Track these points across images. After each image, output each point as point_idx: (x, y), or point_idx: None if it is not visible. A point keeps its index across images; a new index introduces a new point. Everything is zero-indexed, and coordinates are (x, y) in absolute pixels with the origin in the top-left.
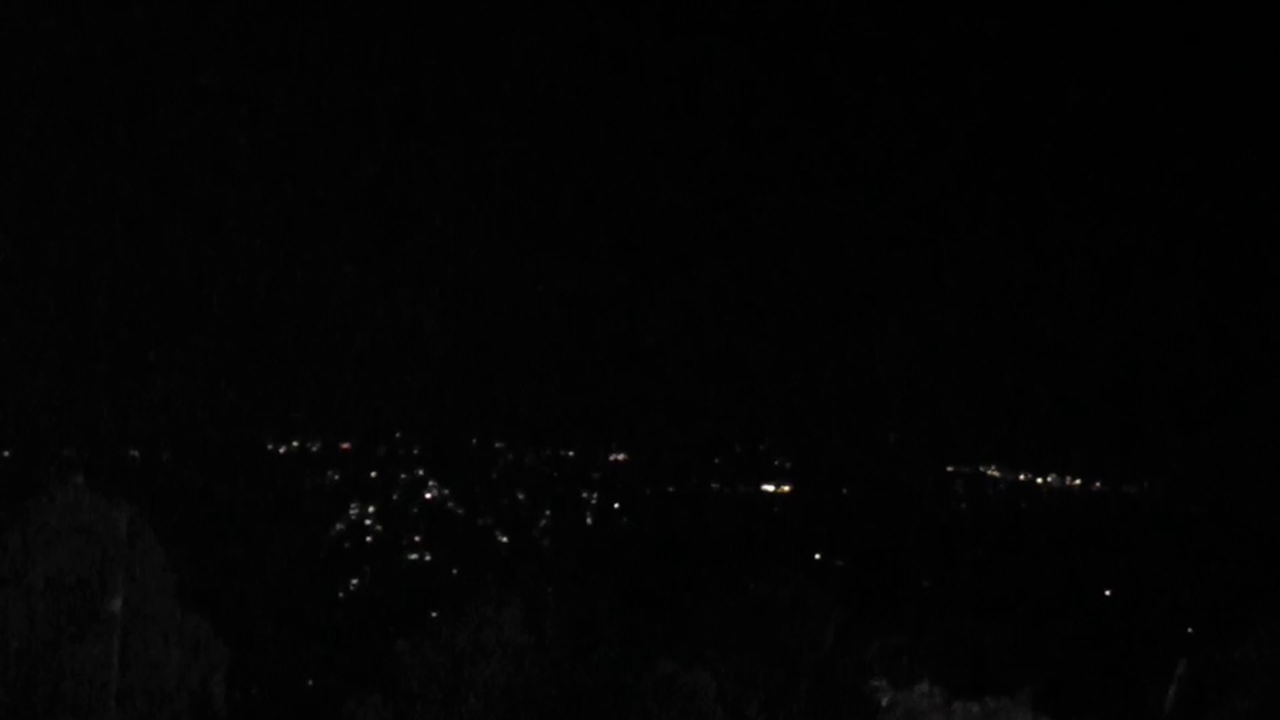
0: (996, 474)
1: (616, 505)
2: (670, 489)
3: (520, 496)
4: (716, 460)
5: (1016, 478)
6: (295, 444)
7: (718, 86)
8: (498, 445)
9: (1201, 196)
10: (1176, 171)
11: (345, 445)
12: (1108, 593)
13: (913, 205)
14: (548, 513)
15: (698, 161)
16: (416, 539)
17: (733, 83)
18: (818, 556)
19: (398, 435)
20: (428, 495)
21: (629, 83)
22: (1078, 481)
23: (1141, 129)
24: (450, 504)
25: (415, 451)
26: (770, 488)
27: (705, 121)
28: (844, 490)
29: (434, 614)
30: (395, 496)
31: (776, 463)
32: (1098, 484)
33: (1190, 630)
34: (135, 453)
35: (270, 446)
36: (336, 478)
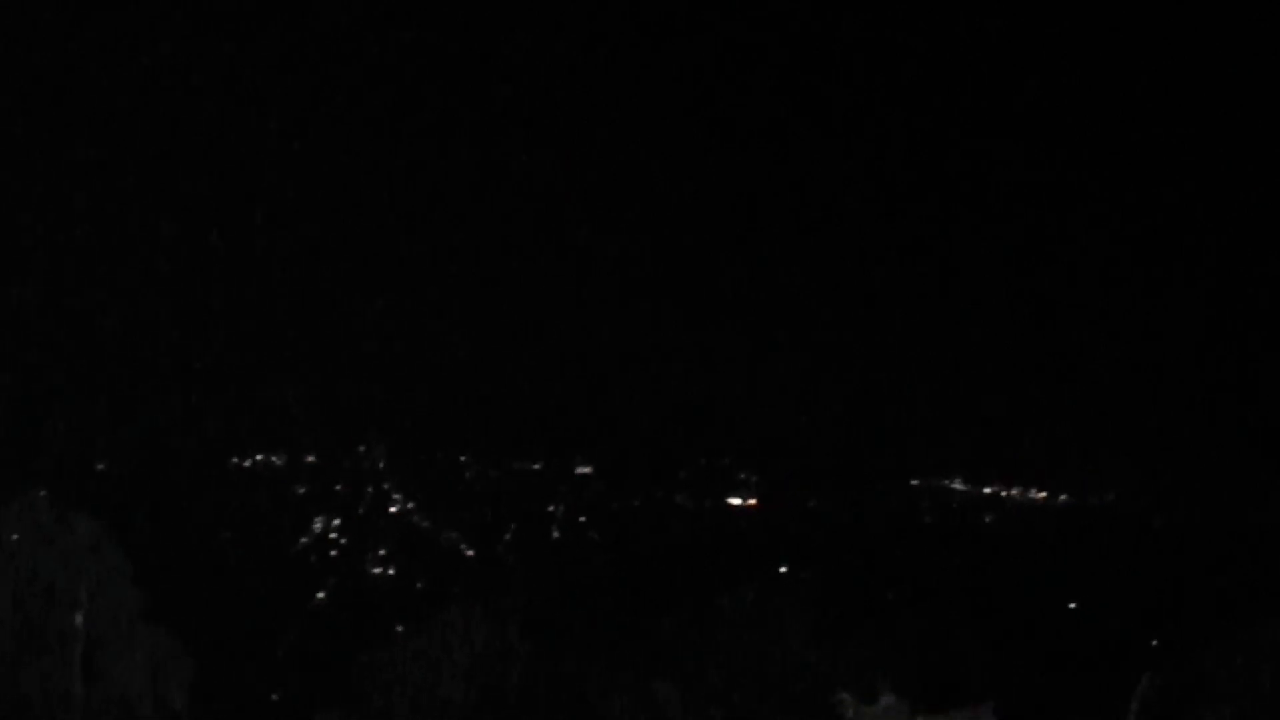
0: (961, 487)
1: (582, 519)
2: (636, 502)
3: (486, 510)
4: (682, 474)
5: (981, 490)
6: (260, 457)
7: (673, 96)
8: (463, 459)
9: (1154, 212)
10: (1133, 193)
11: (310, 459)
12: (1072, 605)
13: (875, 226)
14: (513, 526)
15: (662, 177)
16: (382, 552)
17: (688, 91)
18: (783, 569)
19: (363, 449)
20: (393, 509)
21: (587, 94)
22: (1042, 494)
23: (1098, 144)
24: (416, 517)
25: (381, 465)
26: (736, 501)
27: (667, 146)
28: (809, 504)
29: (399, 626)
30: (361, 510)
31: (741, 476)
32: (1062, 497)
33: (1156, 642)
34: (100, 466)
35: (235, 460)
36: (302, 491)
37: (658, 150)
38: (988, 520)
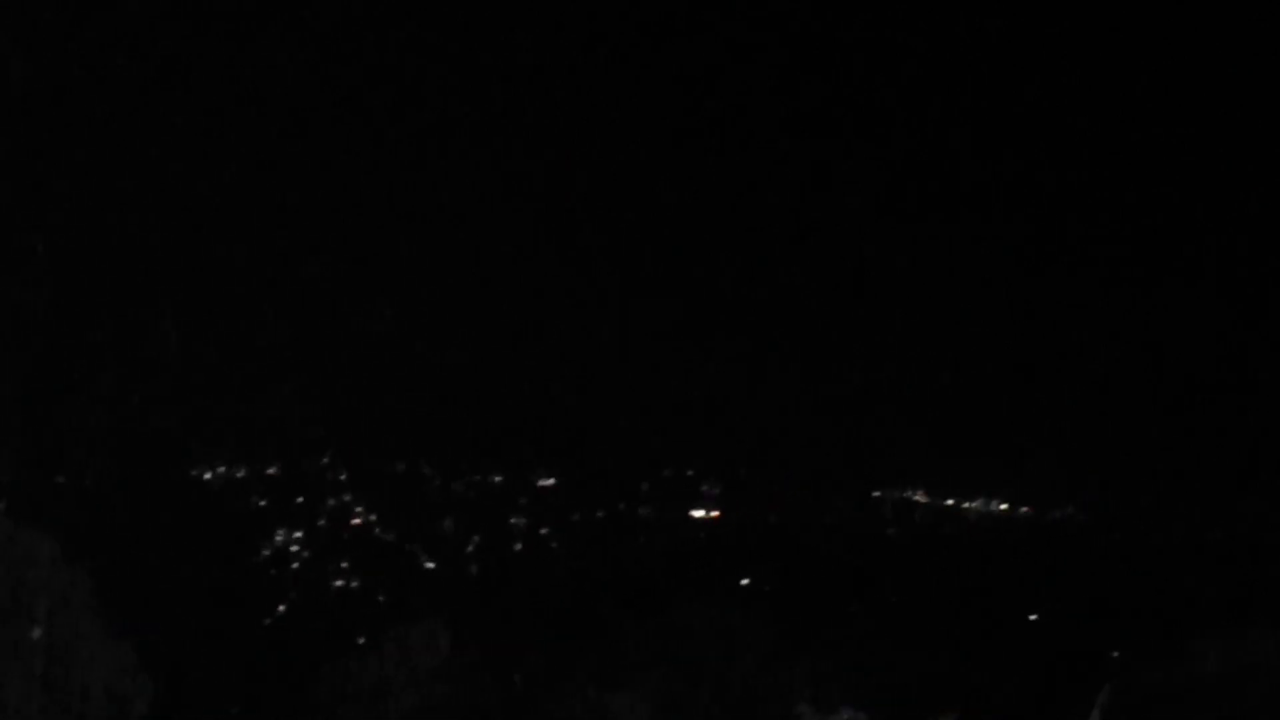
0: (923, 498)
1: (544, 530)
2: (599, 514)
3: (448, 522)
4: (645, 485)
5: (943, 502)
6: (221, 469)
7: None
8: (425, 470)
9: (1109, 229)
10: (1091, 212)
11: (271, 470)
12: (1033, 617)
13: (831, 239)
14: (476, 538)
15: (626, 192)
16: (343, 564)
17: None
18: (745, 581)
19: (325, 460)
20: (355, 520)
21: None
22: (1003, 506)
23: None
24: (378, 529)
25: (342, 476)
26: (699, 513)
27: (635, 165)
28: (771, 516)
29: (361, 639)
30: (322, 522)
31: (705, 488)
32: (1023, 509)
33: (1115, 655)
34: (60, 479)
35: (196, 472)
36: (263, 503)
37: (621, 160)
38: (949, 532)
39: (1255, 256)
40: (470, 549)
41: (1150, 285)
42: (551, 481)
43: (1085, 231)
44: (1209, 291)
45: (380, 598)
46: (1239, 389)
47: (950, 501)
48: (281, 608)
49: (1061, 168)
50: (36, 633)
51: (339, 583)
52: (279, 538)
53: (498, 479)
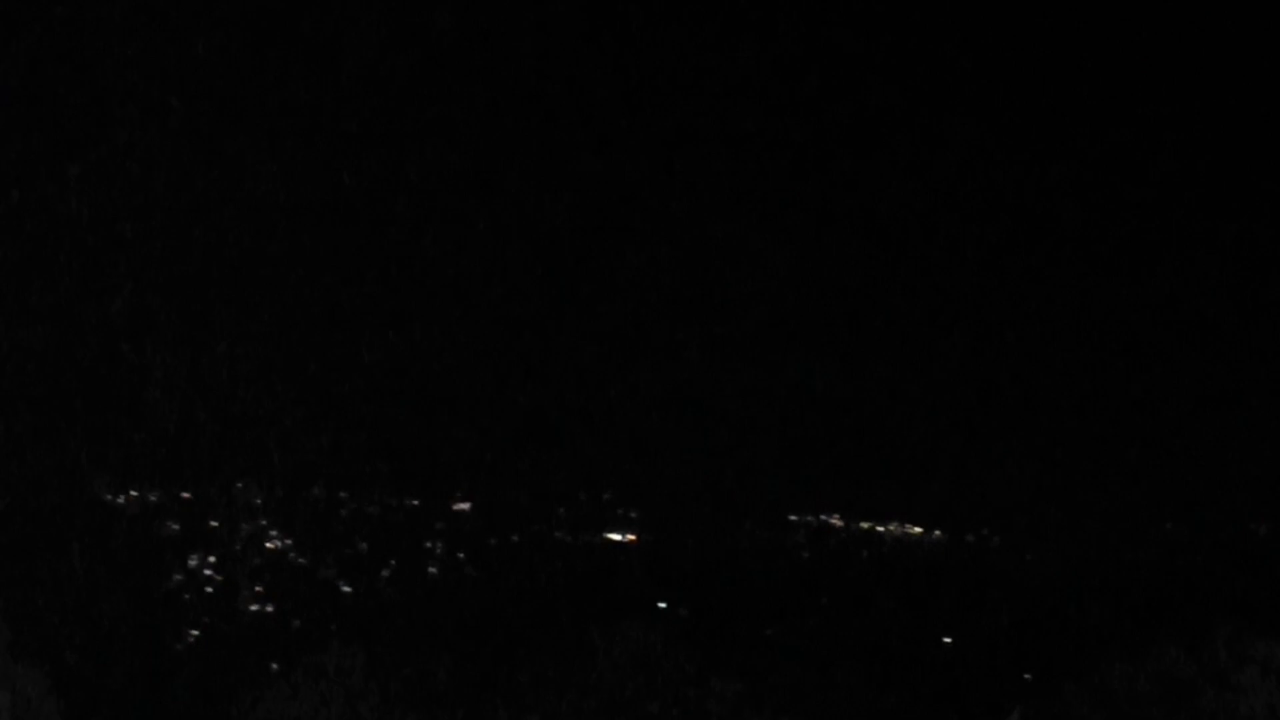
0: (838, 522)
1: (461, 555)
2: (514, 538)
3: (363, 546)
4: (561, 509)
5: (858, 526)
6: (134, 494)
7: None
8: (341, 494)
9: (1025, 253)
10: (1007, 239)
11: (185, 495)
12: (947, 640)
13: (744, 263)
14: (391, 563)
15: (542, 218)
16: (258, 589)
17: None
18: (662, 605)
19: (239, 485)
20: (269, 545)
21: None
22: (918, 530)
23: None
24: (292, 554)
25: (257, 501)
26: (615, 537)
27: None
28: (687, 540)
29: (275, 665)
30: (236, 547)
31: (620, 512)
32: (937, 532)
33: (1027, 677)
34: None
35: (108, 497)
36: (176, 528)
37: (539, 192)
38: (865, 555)
39: (1160, 289)
40: (386, 573)
41: (1060, 310)
42: (467, 505)
43: (994, 260)
44: (1121, 316)
45: (295, 623)
46: (1151, 413)
47: (865, 525)
48: (194, 633)
49: (964, 195)
50: None
51: (254, 608)
52: (192, 562)
53: (413, 503)
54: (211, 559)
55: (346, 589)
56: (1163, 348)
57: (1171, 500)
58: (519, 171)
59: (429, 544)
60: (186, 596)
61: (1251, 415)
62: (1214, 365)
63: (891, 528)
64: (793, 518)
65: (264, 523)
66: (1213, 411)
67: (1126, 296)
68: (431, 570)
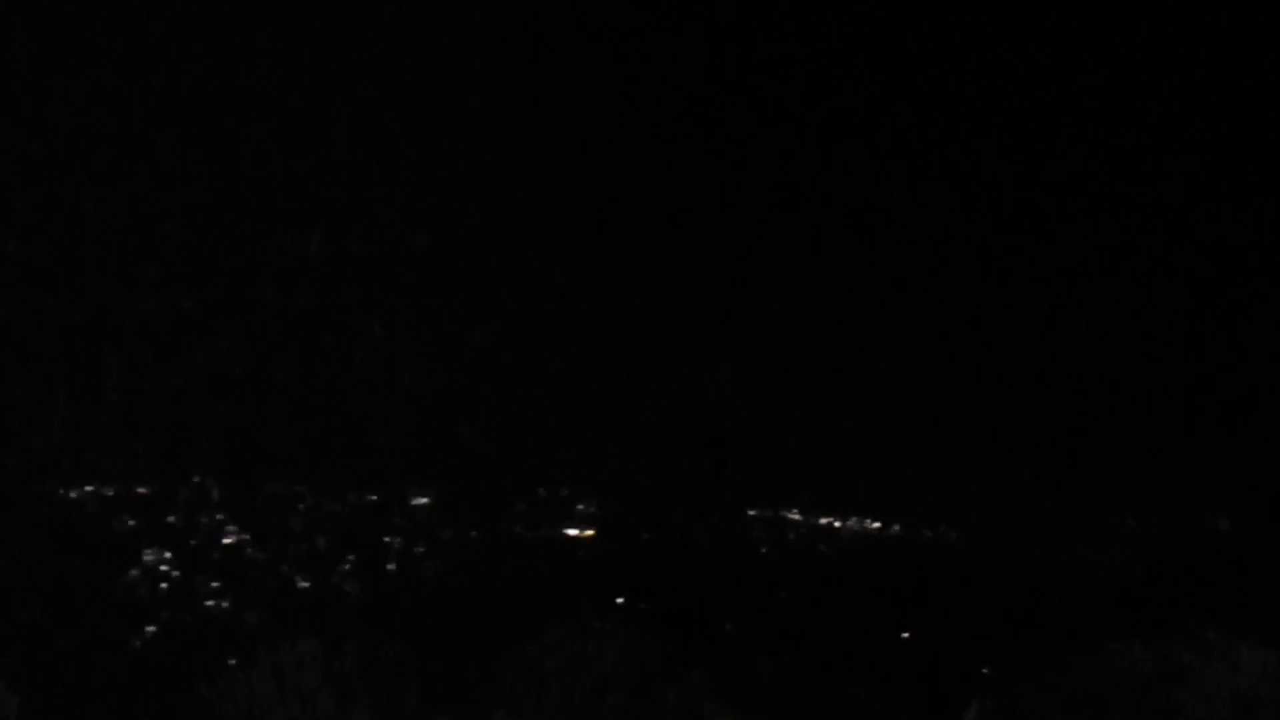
0: (797, 517)
1: (419, 550)
2: (473, 533)
3: (321, 541)
4: (520, 505)
5: (816, 521)
6: (90, 489)
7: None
8: (298, 489)
9: (991, 258)
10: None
11: (142, 490)
12: (905, 635)
13: (700, 262)
14: (349, 557)
15: (503, 213)
16: (215, 584)
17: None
18: (620, 600)
19: (196, 480)
20: (227, 540)
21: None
22: (876, 525)
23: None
24: (250, 549)
25: (214, 496)
26: (573, 532)
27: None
28: (646, 534)
29: (232, 660)
30: (194, 542)
31: (580, 507)
32: (895, 528)
33: (985, 671)
34: None
35: (64, 491)
36: (133, 523)
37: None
38: (823, 550)
39: (1125, 289)
40: (344, 568)
41: (1023, 308)
42: (425, 500)
43: (948, 257)
44: (1085, 316)
45: (253, 617)
46: (1113, 411)
47: (824, 521)
48: (152, 628)
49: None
50: None
51: (210, 602)
52: (149, 557)
53: (372, 498)
54: (168, 554)
55: (304, 584)
56: (1126, 347)
57: (1133, 497)
58: (466, 166)
59: (387, 539)
60: (143, 591)
61: (1214, 414)
62: (1178, 364)
63: (850, 523)
64: (752, 513)
65: (221, 518)
66: (1175, 410)
67: (1090, 296)
68: (390, 566)
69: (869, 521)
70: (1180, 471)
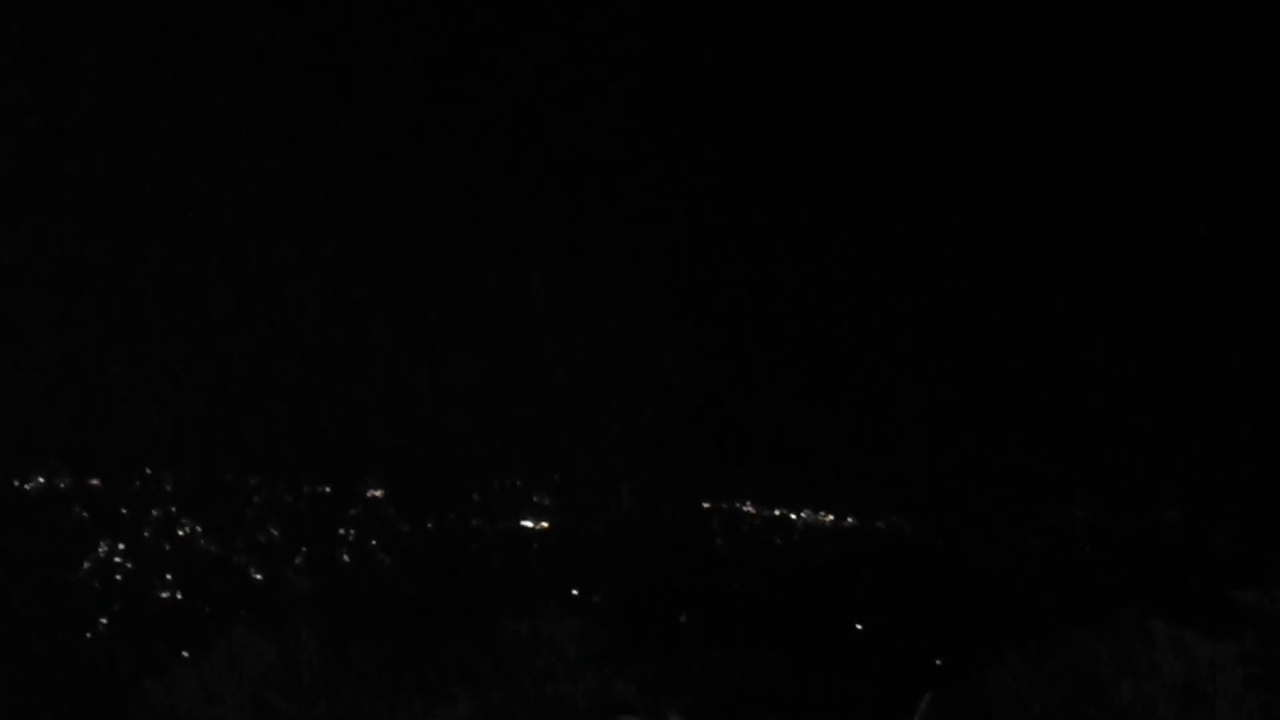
0: (751, 509)
1: (374, 542)
2: (428, 525)
3: (275, 533)
4: (475, 496)
5: (771, 513)
6: (41, 480)
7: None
8: (252, 481)
9: (927, 248)
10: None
11: (94, 481)
12: (859, 626)
13: (642, 256)
14: (303, 550)
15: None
16: (168, 577)
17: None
18: (575, 592)
19: (149, 471)
20: (180, 532)
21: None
22: (830, 517)
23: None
24: (203, 541)
25: (167, 488)
26: (528, 524)
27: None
28: (601, 526)
29: (185, 653)
30: (146, 534)
31: (535, 499)
32: (849, 519)
33: (939, 663)
34: None
35: (16, 482)
36: (85, 514)
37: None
38: (778, 542)
39: (1065, 275)
40: (298, 560)
41: (967, 296)
42: (380, 492)
43: (887, 249)
44: (1029, 302)
45: (206, 610)
46: (1062, 400)
47: (778, 512)
48: (104, 621)
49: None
50: None
51: (164, 595)
52: (102, 550)
53: (326, 489)
54: (121, 546)
55: (258, 577)
56: (1072, 334)
57: (1083, 487)
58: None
59: (342, 531)
60: (96, 584)
61: (1162, 403)
62: (1125, 352)
63: (804, 515)
64: (706, 505)
65: (174, 509)
66: (1124, 399)
67: (1032, 280)
68: (345, 558)
69: (823, 513)
70: (1129, 462)
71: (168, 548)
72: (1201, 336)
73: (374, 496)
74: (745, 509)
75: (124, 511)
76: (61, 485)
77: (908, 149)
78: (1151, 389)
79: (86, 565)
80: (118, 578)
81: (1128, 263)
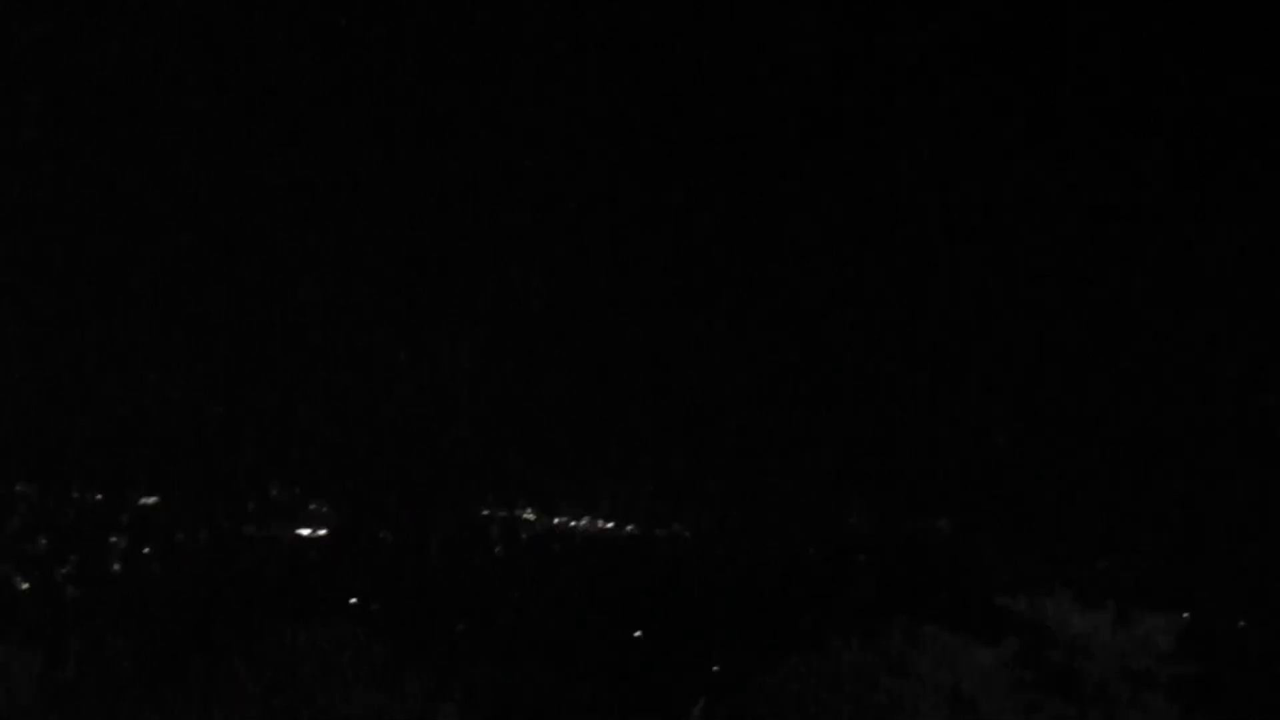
0: (531, 517)
1: (146, 550)
2: (202, 533)
3: (43, 541)
4: (250, 504)
5: (550, 521)
6: None
7: None
8: (19, 489)
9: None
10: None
11: None
12: (638, 634)
13: (454, 253)
14: (72, 558)
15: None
16: None
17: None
18: (353, 600)
19: None
20: None
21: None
22: (610, 525)
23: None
24: None
25: None
26: (306, 532)
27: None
28: (380, 534)
29: None
30: None
31: (313, 507)
32: (630, 527)
33: (715, 669)
34: None
35: None
36: None
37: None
38: (556, 550)
39: (846, 290)
40: (66, 569)
41: (747, 311)
42: (154, 500)
43: (701, 266)
44: (803, 312)
45: None
46: (836, 409)
47: (557, 520)
48: None
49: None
50: None
51: None
52: None
53: (97, 496)
54: None
55: (23, 585)
56: (847, 347)
57: (856, 497)
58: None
59: (113, 539)
60: None
61: (932, 416)
62: (899, 362)
63: (584, 523)
64: (485, 512)
65: None
66: (897, 413)
67: (806, 298)
68: (115, 566)
69: (603, 521)
70: (901, 475)
71: None
72: (968, 350)
73: (146, 504)
74: (525, 516)
75: None
76: None
77: None
78: (922, 402)
79: None
80: None
81: (891, 287)
